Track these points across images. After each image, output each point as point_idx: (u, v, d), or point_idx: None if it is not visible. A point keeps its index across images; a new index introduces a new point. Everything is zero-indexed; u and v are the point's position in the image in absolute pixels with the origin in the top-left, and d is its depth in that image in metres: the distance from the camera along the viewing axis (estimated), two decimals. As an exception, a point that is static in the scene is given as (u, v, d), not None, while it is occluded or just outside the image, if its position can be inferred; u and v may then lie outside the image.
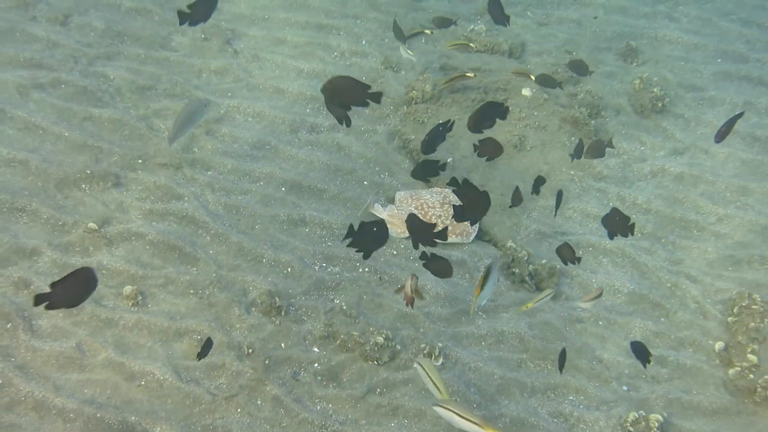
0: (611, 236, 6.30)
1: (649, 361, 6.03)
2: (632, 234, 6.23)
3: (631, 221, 6.21)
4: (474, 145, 6.36)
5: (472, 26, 10.36)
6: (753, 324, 7.48)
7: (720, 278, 8.16)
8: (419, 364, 5.79)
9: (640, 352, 6.00)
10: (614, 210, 6.19)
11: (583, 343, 7.32)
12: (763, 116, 9.95)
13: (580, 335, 7.43)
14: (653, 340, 7.52)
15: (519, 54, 10.24)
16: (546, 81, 8.22)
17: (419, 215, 7.81)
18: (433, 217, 7.80)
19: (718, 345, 7.44)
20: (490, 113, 5.85)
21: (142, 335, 6.63)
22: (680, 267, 8.21)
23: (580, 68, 8.36)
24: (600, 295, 6.54)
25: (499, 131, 8.80)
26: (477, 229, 7.94)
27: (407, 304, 6.05)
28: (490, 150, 6.36)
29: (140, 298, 6.81)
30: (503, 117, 5.86)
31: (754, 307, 7.61)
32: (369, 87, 4.66)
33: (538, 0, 11.53)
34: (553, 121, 9.14)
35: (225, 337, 6.68)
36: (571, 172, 8.94)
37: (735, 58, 10.86)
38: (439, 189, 8.09)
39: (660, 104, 9.74)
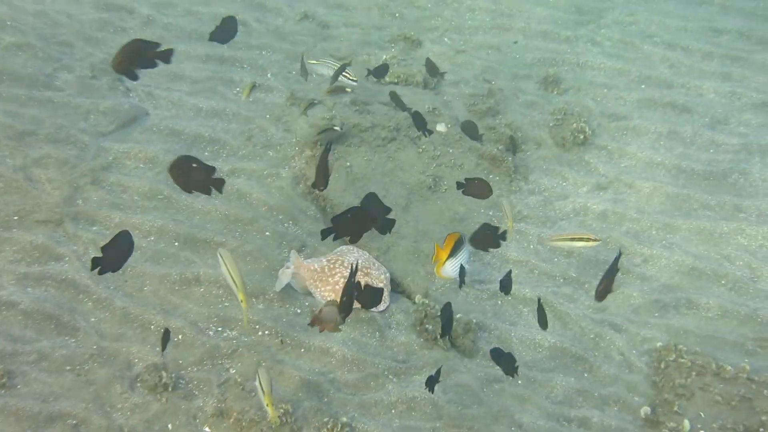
0: (482, 248, 5.96)
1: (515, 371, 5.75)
2: (504, 240, 5.89)
3: (501, 230, 5.89)
4: (458, 182, 6.09)
5: (384, 55, 9.81)
6: (679, 380, 7.02)
7: (646, 326, 7.70)
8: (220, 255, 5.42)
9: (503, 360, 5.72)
10: (483, 225, 5.93)
11: (501, 406, 6.79)
12: (689, 146, 9.56)
13: (498, 397, 6.90)
14: (576, 399, 7.02)
15: (435, 85, 9.71)
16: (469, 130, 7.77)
17: (327, 269, 7.22)
18: (338, 275, 7.20)
19: (644, 411, 6.95)
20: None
21: (8, 423, 5.92)
22: (604, 315, 7.74)
23: (471, 131, 7.87)
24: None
25: (412, 171, 8.26)
26: (388, 299, 7.35)
27: (320, 330, 5.68)
28: (476, 190, 5.97)
29: (6, 379, 6.10)
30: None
31: (681, 360, 7.15)
32: (158, 45, 4.49)
33: (456, 25, 11.03)
34: (469, 158, 8.63)
35: (104, 420, 6.01)
36: (489, 213, 8.43)
37: (659, 83, 10.49)
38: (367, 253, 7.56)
39: (582, 136, 9.29)
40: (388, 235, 7.47)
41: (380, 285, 7.30)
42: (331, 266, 7.25)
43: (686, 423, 6.73)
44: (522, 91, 9.97)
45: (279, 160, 8.33)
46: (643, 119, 9.83)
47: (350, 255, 7.39)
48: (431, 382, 5.73)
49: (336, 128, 7.73)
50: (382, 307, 7.26)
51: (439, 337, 7.12)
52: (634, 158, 9.36)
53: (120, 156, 8.04)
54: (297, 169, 8.27)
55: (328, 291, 7.17)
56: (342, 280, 7.17)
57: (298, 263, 7.19)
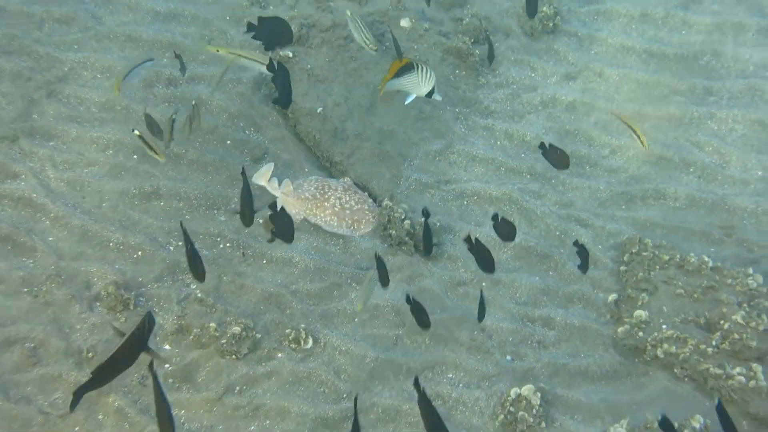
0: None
1: None
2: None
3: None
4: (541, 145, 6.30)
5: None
6: (642, 274, 7.03)
7: (612, 219, 7.67)
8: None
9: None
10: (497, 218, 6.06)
11: (465, 310, 6.82)
12: (660, 28, 9.31)
13: (461, 300, 6.93)
14: (541, 299, 7.05)
15: (400, -25, 9.38)
16: None
17: (317, 195, 7.13)
18: (333, 198, 7.13)
19: (611, 297, 6.99)
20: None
21: (-33, 349, 5.97)
22: (570, 210, 7.70)
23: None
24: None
25: (375, 71, 8.08)
26: (373, 222, 7.26)
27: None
28: (558, 160, 6.26)
29: (-35, 304, 6.12)
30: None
31: (644, 254, 7.15)
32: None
33: None
34: (435, 53, 8.43)
35: (62, 342, 6.06)
36: (456, 110, 8.29)
37: (633, -39, 10.11)
38: (347, 179, 7.44)
39: (551, 24, 9.04)
40: (347, 140, 7.42)
41: (365, 209, 7.22)
42: (322, 191, 7.17)
43: (641, 313, 6.75)
44: (491, -23, 9.65)
45: (240, 65, 8.11)
46: (615, 2, 9.55)
47: (330, 181, 7.33)
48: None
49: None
50: (368, 228, 7.20)
51: (420, 251, 7.11)
52: (604, 44, 9.13)
53: (76, 66, 7.85)
54: (257, 73, 8.08)
55: (329, 215, 7.10)
56: (336, 201, 7.12)
57: (289, 191, 7.10)
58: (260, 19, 6.16)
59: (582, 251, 6.18)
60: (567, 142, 8.17)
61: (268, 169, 7.15)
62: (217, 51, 6.45)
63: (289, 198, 7.10)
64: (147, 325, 4.30)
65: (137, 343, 4.29)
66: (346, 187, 7.25)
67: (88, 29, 8.14)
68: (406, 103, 6.52)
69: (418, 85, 6.16)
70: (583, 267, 6.26)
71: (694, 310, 6.79)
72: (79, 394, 4.17)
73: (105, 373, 4.25)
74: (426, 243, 6.71)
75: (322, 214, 7.07)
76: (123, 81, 6.71)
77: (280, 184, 7.15)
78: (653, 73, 8.81)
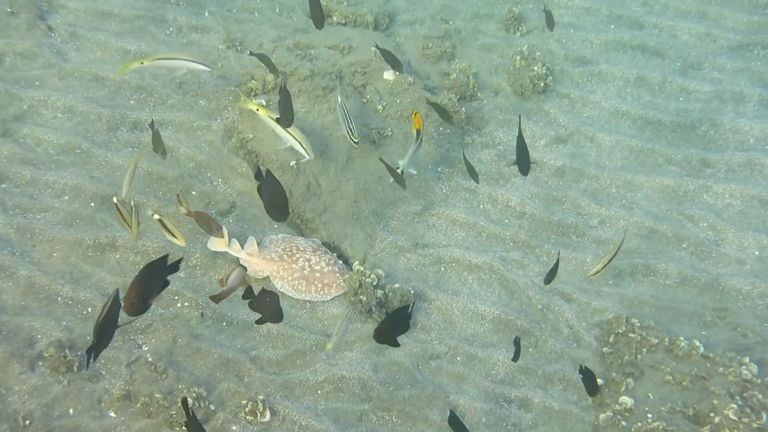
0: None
1: None
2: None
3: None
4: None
5: (334, -7, 9.06)
6: (628, 357, 6.57)
7: (598, 296, 7.21)
8: None
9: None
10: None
11: (437, 386, 6.33)
12: (657, 94, 8.96)
13: (434, 375, 6.44)
14: (519, 378, 6.57)
15: (387, 25, 9.04)
16: (442, 113, 7.16)
17: (284, 257, 6.65)
18: (301, 259, 6.65)
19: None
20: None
21: None
22: (554, 283, 7.23)
23: (443, 113, 7.19)
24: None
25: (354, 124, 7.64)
26: (344, 287, 6.77)
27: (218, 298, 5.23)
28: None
29: None
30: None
31: (631, 335, 6.69)
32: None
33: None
34: (419, 109, 8.00)
35: (-3, 405, 5.52)
36: (438, 170, 7.86)
37: (630, 23, 9.81)
38: (315, 239, 6.97)
39: (542, 84, 8.66)
40: (321, 196, 6.97)
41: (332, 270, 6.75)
42: (289, 252, 6.70)
43: (626, 400, 6.28)
44: (482, 33, 9.30)
45: (211, 111, 7.69)
46: (610, 64, 9.20)
47: (300, 241, 6.86)
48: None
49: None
50: (338, 292, 6.73)
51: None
52: (597, 107, 8.76)
53: (36, 104, 7.40)
54: (230, 121, 7.64)
55: (297, 279, 6.63)
56: (306, 263, 6.64)
57: (254, 251, 6.61)
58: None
59: (588, 376, 5.61)
60: (554, 209, 7.75)
61: (226, 239, 6.64)
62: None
63: (254, 259, 6.62)
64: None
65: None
66: (315, 247, 6.79)
67: (52, 65, 7.70)
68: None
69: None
70: (591, 390, 5.74)
71: (683, 400, 6.32)
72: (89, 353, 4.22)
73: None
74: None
75: (290, 278, 6.59)
76: None
77: (243, 245, 6.68)
78: (648, 140, 8.43)
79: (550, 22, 8.06)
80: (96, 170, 7.04)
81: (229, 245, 6.61)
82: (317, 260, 6.69)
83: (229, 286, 5.21)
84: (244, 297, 4.95)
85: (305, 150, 6.61)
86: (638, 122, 8.66)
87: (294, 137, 6.57)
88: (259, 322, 5.11)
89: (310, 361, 6.30)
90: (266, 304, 4.99)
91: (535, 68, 8.67)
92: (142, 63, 6.38)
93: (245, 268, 5.43)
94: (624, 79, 9.06)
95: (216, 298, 5.19)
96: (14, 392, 5.64)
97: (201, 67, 6.64)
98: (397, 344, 5.22)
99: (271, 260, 6.61)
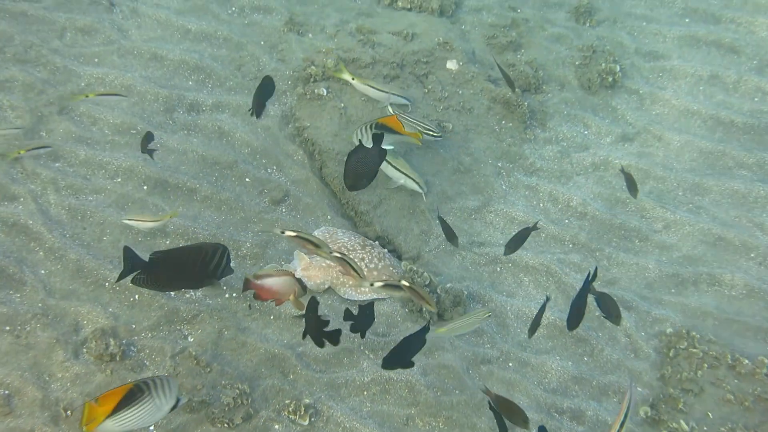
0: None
1: None
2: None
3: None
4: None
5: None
6: (687, 373, 6.31)
7: (659, 304, 6.94)
8: None
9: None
10: None
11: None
12: (731, 93, 8.61)
13: (484, 381, 6.24)
14: (572, 387, 6.34)
15: (452, 12, 8.78)
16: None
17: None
18: (357, 260, 6.45)
19: (643, 411, 6.24)
20: None
21: (-67, 392, 5.39)
22: (613, 289, 6.98)
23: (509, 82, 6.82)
24: None
25: (415, 114, 7.44)
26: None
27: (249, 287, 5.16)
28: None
29: (-63, 340, 5.55)
30: None
31: (692, 350, 6.42)
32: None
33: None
34: (481, 101, 7.78)
35: (39, 392, 5.45)
36: (498, 165, 7.63)
37: (705, 17, 9.44)
38: (355, 232, 6.77)
39: (610, 78, 8.36)
40: (376, 188, 6.80)
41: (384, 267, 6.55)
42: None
43: (684, 426, 6.04)
44: (550, 22, 9.00)
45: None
46: (683, 60, 8.86)
47: (342, 237, 6.64)
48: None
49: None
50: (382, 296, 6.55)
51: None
52: (667, 105, 8.44)
53: (94, 82, 7.31)
54: (287, 107, 7.49)
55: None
56: (360, 263, 6.44)
57: (306, 264, 6.41)
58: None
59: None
60: (617, 211, 7.48)
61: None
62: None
63: (312, 271, 6.41)
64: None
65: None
66: (363, 243, 6.59)
67: (112, 42, 7.60)
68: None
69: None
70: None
71: (744, 421, 6.06)
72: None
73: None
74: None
75: (351, 282, 6.39)
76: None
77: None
78: (719, 142, 8.10)
79: (632, 188, 6.67)
80: (74, 95, 6.93)
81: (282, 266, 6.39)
82: (370, 258, 6.51)
83: (273, 291, 5.09)
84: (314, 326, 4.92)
85: (418, 185, 6.88)
86: (709, 122, 8.33)
87: (404, 173, 6.83)
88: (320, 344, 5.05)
89: (357, 360, 6.14)
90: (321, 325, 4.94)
91: (604, 62, 8.36)
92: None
93: (303, 285, 5.19)
94: (696, 76, 8.72)
95: (248, 287, 5.08)
96: (57, 379, 5.57)
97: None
98: (411, 365, 5.16)
99: (329, 266, 6.40)
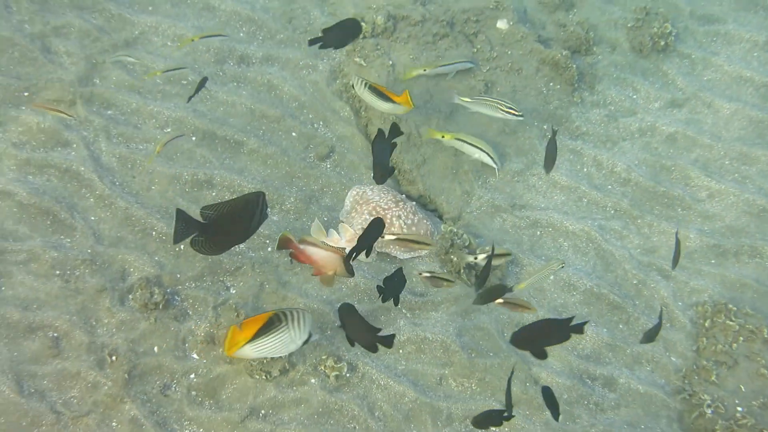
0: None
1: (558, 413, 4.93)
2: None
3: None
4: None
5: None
6: (722, 345, 6.34)
7: (698, 275, 6.96)
8: None
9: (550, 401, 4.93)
10: None
11: (520, 356, 6.23)
12: (787, 61, 8.47)
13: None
14: (606, 354, 6.42)
15: (506, -32, 8.68)
16: None
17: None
18: (394, 218, 6.52)
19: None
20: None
21: (-15, 332, 5.61)
22: (653, 258, 7.01)
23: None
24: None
25: (462, 76, 7.45)
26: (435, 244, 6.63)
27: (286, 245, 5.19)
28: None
29: (-9, 281, 5.75)
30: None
31: (729, 322, 6.45)
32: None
33: None
34: (530, 62, 7.75)
35: (86, 336, 5.65)
36: (544, 127, 7.63)
37: (765, -20, 9.24)
38: (381, 186, 6.78)
39: (663, 42, 8.26)
40: (421, 147, 6.85)
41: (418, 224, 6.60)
42: (380, 215, 6.51)
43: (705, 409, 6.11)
44: (605, -18, 8.89)
45: (318, 50, 7.57)
46: (738, 24, 8.72)
47: (372, 196, 6.67)
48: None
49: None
50: (424, 252, 6.61)
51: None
52: (719, 71, 8.34)
53: (147, 30, 7.40)
54: (336, 63, 7.53)
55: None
56: (400, 222, 6.51)
57: (352, 236, 6.44)
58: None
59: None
60: (661, 178, 7.46)
61: (317, 227, 6.43)
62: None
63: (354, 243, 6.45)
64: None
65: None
66: (396, 199, 6.65)
67: (166, -10, 7.67)
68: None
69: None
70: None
71: (776, 396, 6.10)
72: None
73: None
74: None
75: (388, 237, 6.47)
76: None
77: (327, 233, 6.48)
78: (770, 111, 8.01)
79: (676, 257, 5.96)
80: (200, 104, 7.03)
81: (327, 236, 6.44)
82: (406, 214, 6.57)
83: (315, 262, 5.16)
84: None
85: (492, 159, 6.90)
86: (762, 90, 8.22)
87: (479, 147, 6.86)
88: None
89: (394, 318, 6.26)
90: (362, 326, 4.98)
91: (657, 25, 8.26)
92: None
93: (351, 269, 5.21)
94: (752, 41, 8.59)
95: (285, 245, 5.13)
96: (103, 325, 5.76)
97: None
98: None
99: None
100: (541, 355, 4.73)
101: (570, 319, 4.65)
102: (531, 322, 5.12)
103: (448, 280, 5.81)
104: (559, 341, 4.74)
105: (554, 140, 6.04)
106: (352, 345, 5.14)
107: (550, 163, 6.16)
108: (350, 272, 5.18)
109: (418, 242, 6.09)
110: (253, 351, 4.78)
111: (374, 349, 4.98)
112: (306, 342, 4.89)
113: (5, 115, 6.55)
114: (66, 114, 6.21)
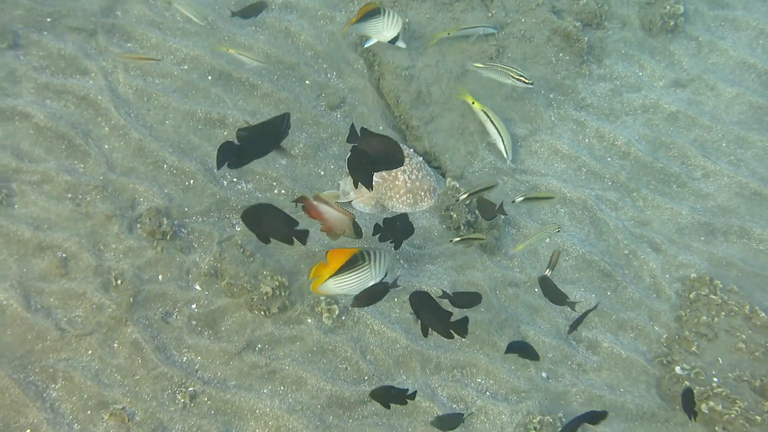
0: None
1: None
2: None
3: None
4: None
5: None
6: (705, 318, 6.58)
7: (687, 250, 7.18)
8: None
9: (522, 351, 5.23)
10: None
11: (510, 313, 6.46)
12: (790, 51, 8.64)
13: (509, 302, 6.56)
14: (591, 319, 6.64)
15: (525, -63, 8.80)
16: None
17: (385, 175, 6.66)
18: (398, 172, 6.69)
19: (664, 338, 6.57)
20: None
21: (-3, 246, 5.78)
22: (645, 230, 7.22)
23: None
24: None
25: (475, 41, 7.60)
26: (434, 199, 6.80)
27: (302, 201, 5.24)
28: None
29: (4, 196, 5.91)
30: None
31: (712, 297, 6.68)
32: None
33: None
34: (542, 31, 7.90)
35: (94, 259, 5.84)
36: (550, 96, 7.80)
37: (778, -30, 9.38)
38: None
39: (672, 22, 8.42)
40: (430, 105, 7.01)
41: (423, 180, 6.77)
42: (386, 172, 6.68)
43: (677, 369, 6.35)
44: (621, -42, 9.01)
45: (336, 1, 7.71)
46: (747, 11, 8.88)
47: None
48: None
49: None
50: (429, 203, 6.78)
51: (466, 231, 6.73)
52: (724, 55, 8.51)
53: (169, -32, 7.50)
54: (353, 14, 7.66)
55: (405, 194, 6.69)
56: (405, 177, 6.68)
57: (359, 192, 6.63)
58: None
59: (686, 398, 5.29)
60: (659, 155, 7.66)
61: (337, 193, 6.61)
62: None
63: (365, 197, 6.65)
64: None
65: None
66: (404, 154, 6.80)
67: (191, -69, 7.76)
68: (365, 46, 6.98)
69: (382, 30, 5.80)
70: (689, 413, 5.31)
71: (752, 370, 6.34)
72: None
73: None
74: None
75: (397, 195, 6.65)
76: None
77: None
78: (769, 98, 8.20)
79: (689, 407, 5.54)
80: (218, 44, 7.16)
81: (340, 190, 6.60)
82: (410, 169, 6.75)
83: (325, 219, 5.27)
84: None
85: (506, 151, 7.07)
86: (763, 77, 8.40)
87: (500, 134, 7.06)
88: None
89: (392, 268, 6.46)
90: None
91: (668, 5, 8.41)
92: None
93: (359, 229, 5.34)
94: (758, 29, 8.75)
95: (302, 201, 5.23)
96: (111, 250, 5.94)
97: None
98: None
99: (377, 184, 6.66)
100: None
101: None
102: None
103: (478, 238, 6.00)
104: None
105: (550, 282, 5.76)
106: (426, 335, 4.88)
107: (559, 299, 5.66)
108: (359, 234, 5.31)
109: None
110: (335, 286, 4.84)
111: (450, 336, 4.86)
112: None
113: (27, 38, 6.67)
114: (152, 59, 6.38)
